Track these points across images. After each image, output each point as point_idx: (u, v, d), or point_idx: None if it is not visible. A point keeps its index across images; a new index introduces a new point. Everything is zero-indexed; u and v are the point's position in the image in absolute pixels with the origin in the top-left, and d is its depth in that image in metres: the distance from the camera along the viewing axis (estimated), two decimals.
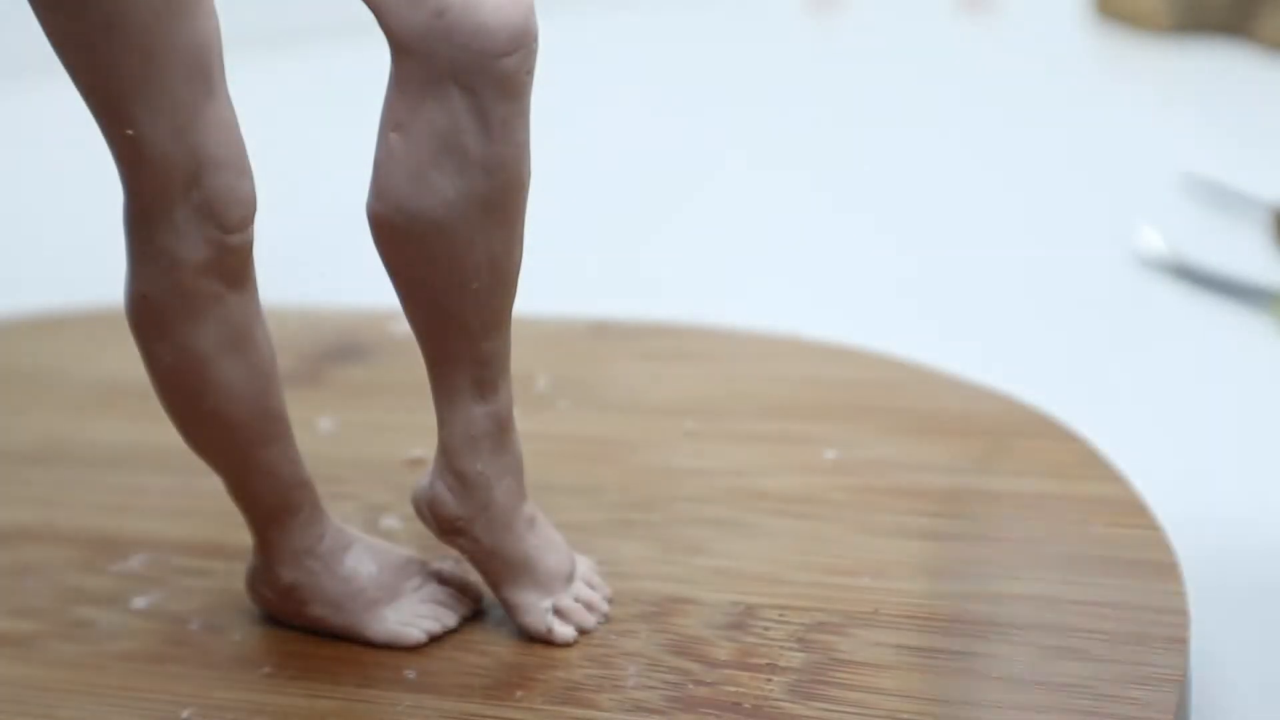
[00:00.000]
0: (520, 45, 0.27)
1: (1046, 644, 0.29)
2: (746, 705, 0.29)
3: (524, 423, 0.31)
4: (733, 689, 0.29)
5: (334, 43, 0.73)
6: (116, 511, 0.38)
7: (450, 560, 0.33)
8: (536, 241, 0.30)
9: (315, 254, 0.54)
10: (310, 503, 0.31)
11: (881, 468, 0.36)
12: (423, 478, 0.31)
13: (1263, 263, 0.53)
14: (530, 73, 0.27)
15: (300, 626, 0.32)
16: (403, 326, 0.31)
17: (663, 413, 0.40)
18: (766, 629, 0.31)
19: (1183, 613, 0.30)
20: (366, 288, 0.37)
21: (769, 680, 0.29)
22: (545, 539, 0.31)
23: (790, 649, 0.30)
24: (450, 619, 0.32)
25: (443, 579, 0.32)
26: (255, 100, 0.33)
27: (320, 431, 0.40)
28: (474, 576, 0.32)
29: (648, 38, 0.90)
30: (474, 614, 0.32)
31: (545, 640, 0.31)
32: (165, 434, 0.31)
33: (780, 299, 0.53)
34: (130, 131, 0.26)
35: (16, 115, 0.77)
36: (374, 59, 0.28)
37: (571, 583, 0.31)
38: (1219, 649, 0.33)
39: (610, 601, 0.32)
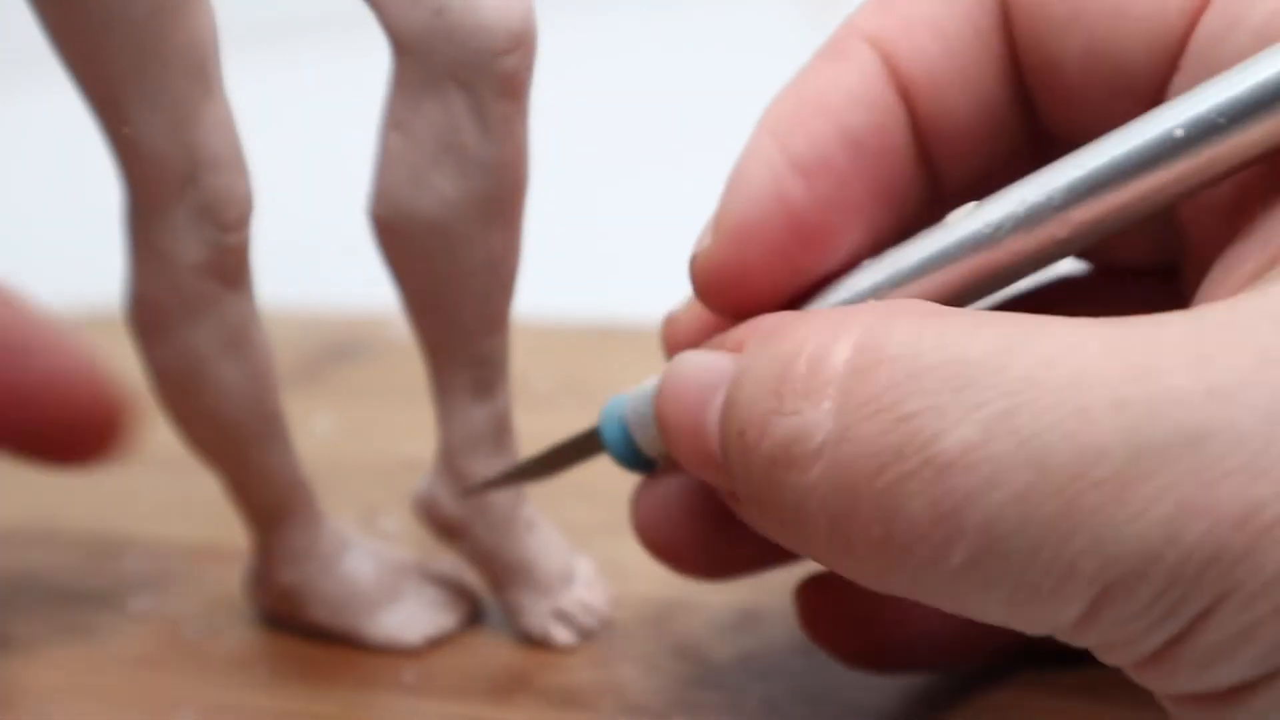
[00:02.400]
0: (520, 44, 0.27)
1: None
2: (749, 707, 0.28)
3: (524, 423, 0.31)
4: (735, 692, 0.29)
5: (335, 41, 0.73)
6: (112, 512, 0.37)
7: (449, 562, 0.33)
8: (536, 242, 0.30)
9: (315, 254, 0.53)
10: (307, 504, 0.31)
11: None
12: (422, 479, 0.31)
13: None
14: (530, 71, 0.27)
15: (298, 629, 0.32)
16: (402, 327, 0.30)
17: None
18: (769, 632, 0.31)
19: None
20: (366, 288, 0.37)
21: (772, 683, 0.29)
22: (544, 541, 0.31)
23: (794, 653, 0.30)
24: (448, 621, 0.31)
25: (441, 581, 0.32)
26: (254, 99, 0.33)
27: (318, 432, 0.40)
28: (473, 579, 0.32)
29: (648, 38, 0.90)
30: (473, 616, 0.32)
31: (544, 643, 0.31)
32: (162, 435, 0.30)
33: None
34: (127, 129, 0.26)
35: (16, 115, 0.77)
36: (376, 58, 0.28)
37: (571, 585, 0.31)
38: None
39: (611, 604, 0.32)
